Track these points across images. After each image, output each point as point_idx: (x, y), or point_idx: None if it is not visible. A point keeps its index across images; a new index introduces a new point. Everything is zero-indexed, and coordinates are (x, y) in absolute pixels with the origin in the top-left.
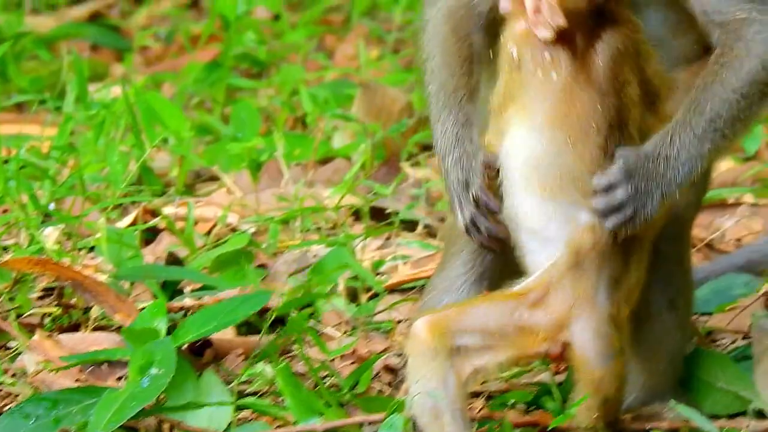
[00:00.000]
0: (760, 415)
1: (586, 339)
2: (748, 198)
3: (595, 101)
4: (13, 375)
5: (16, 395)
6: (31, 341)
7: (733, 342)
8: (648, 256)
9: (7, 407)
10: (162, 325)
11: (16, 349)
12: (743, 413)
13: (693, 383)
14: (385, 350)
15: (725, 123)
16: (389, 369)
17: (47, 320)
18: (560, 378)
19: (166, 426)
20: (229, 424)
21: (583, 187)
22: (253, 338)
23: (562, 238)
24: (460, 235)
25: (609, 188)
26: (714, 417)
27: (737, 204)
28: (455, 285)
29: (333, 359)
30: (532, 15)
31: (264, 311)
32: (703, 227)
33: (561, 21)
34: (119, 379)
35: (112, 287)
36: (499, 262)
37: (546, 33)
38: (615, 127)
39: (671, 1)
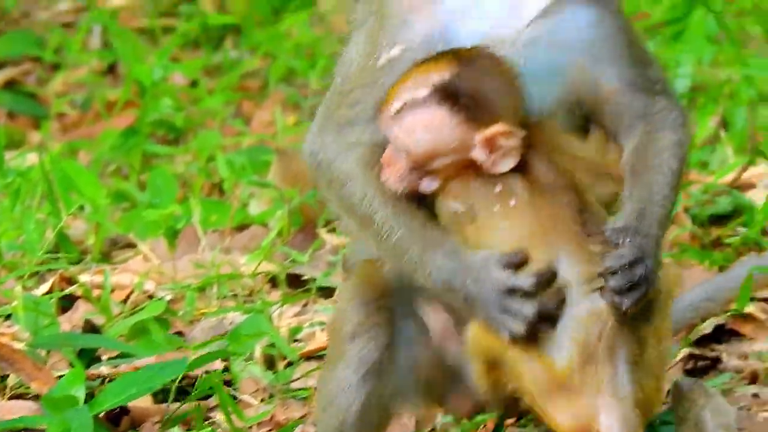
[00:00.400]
0: None
1: (614, 429)
2: (666, 262)
3: (558, 199)
4: None
5: None
6: None
7: None
8: (664, 325)
9: None
10: (80, 393)
11: None
12: None
13: None
14: (302, 417)
15: (671, 201)
16: None
17: None
18: None
19: None
20: None
21: (582, 279)
22: (171, 405)
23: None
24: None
25: (627, 267)
26: None
27: None
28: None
29: (251, 426)
30: (487, 159)
31: (181, 379)
32: None
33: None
34: None
35: (29, 355)
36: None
37: (508, 164)
38: (585, 210)
39: (576, 103)
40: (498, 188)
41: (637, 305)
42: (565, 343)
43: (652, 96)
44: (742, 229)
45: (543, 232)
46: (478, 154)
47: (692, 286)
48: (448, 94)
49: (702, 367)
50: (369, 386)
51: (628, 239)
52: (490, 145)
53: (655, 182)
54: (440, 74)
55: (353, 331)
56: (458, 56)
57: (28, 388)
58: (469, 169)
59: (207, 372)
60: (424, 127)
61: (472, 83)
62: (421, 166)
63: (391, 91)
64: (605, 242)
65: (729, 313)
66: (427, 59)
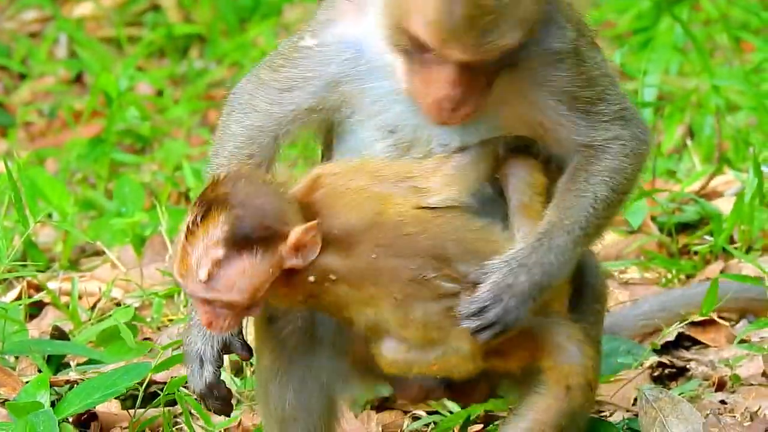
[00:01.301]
0: None
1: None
2: (633, 270)
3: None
4: None
5: None
6: None
7: (611, 414)
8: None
9: None
10: (45, 399)
11: None
12: None
13: None
14: None
15: (590, 224)
16: None
17: None
18: None
19: None
20: None
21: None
22: (139, 411)
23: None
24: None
25: (479, 311)
26: None
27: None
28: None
29: None
30: (299, 259)
31: (149, 385)
32: None
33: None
34: None
35: None
36: None
37: (315, 252)
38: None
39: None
40: (311, 278)
41: (496, 339)
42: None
43: (599, 127)
44: (709, 238)
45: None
46: (292, 262)
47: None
48: (240, 239)
49: (669, 375)
50: (298, 368)
51: (490, 281)
52: (298, 249)
53: (571, 208)
54: (220, 226)
55: (270, 315)
56: (221, 200)
57: None
58: (282, 275)
59: (173, 377)
60: (241, 276)
61: (252, 217)
62: (248, 306)
63: (182, 258)
64: (468, 285)
65: (691, 320)
66: (193, 219)
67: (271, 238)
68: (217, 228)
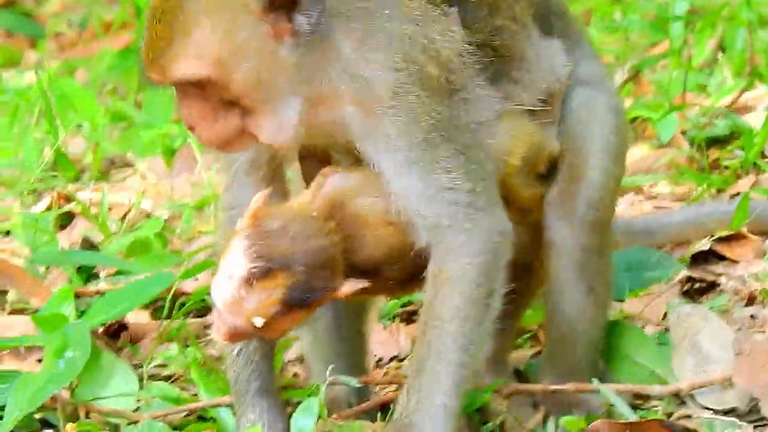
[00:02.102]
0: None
1: None
2: (663, 185)
3: None
4: None
5: None
6: None
7: (642, 328)
8: None
9: None
10: (70, 310)
11: None
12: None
13: (612, 354)
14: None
15: (462, 354)
16: None
17: None
18: None
19: (81, 408)
20: (138, 406)
21: None
22: (167, 321)
23: None
24: None
25: None
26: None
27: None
28: None
29: None
30: None
31: (178, 296)
32: None
33: None
34: (39, 361)
35: (27, 271)
36: None
37: None
38: None
39: None
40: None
41: None
42: None
43: (444, 207)
44: (739, 152)
45: None
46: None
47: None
48: (297, 300)
49: (699, 289)
50: None
51: None
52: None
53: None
54: (281, 289)
55: None
56: (282, 260)
57: (27, 303)
58: None
59: (202, 287)
60: (291, 322)
61: (310, 280)
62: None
63: (235, 301)
64: None
65: (720, 235)
66: (251, 273)
67: (325, 292)
68: (278, 290)
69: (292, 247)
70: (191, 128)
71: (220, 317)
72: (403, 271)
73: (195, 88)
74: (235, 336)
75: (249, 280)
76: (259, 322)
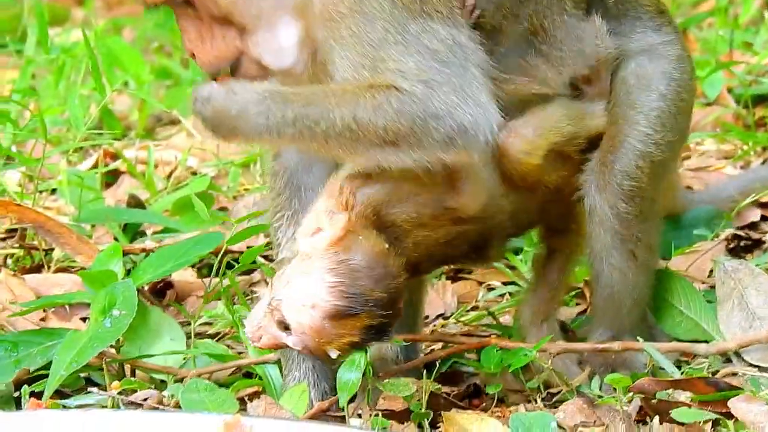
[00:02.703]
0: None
1: None
2: (709, 143)
3: None
4: None
5: None
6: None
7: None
8: None
9: None
10: (118, 268)
11: None
12: (701, 342)
13: (658, 303)
14: None
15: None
16: None
17: (10, 261)
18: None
19: (127, 366)
20: (185, 362)
21: None
22: (214, 281)
23: None
24: None
25: None
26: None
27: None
28: None
29: None
30: None
31: (225, 254)
32: None
33: None
34: (83, 319)
35: (73, 229)
36: None
37: None
38: None
39: None
40: None
41: None
42: None
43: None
44: None
45: None
46: None
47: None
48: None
49: (744, 247)
50: None
51: None
52: None
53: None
54: (362, 330)
55: None
56: (367, 305)
57: (74, 261)
58: None
59: (249, 246)
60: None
61: (388, 322)
62: None
63: (318, 332)
64: None
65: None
66: (337, 312)
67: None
68: (359, 329)
69: (375, 289)
70: (192, 54)
71: (267, 327)
72: (442, 261)
73: (187, 7)
74: (273, 347)
75: (334, 317)
76: (334, 354)
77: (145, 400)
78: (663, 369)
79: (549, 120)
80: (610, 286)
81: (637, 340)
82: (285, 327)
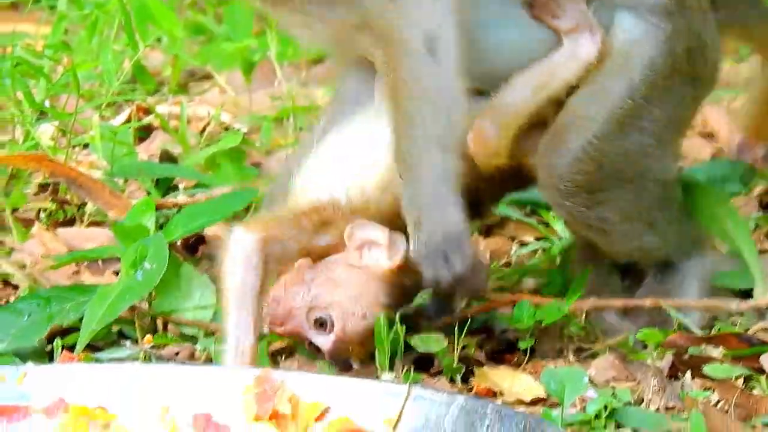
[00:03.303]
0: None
1: None
2: (742, 99)
3: None
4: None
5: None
6: (32, 232)
7: None
8: None
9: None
10: (150, 222)
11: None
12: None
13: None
14: None
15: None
16: None
17: (43, 216)
18: None
19: (159, 320)
20: (215, 316)
21: None
22: None
23: None
24: None
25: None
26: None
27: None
28: None
29: None
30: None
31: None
32: None
33: None
34: (116, 273)
35: (106, 184)
36: None
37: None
38: None
39: None
40: None
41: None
42: None
43: None
44: None
45: None
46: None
47: None
48: None
49: None
50: None
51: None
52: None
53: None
54: None
55: None
56: None
57: (106, 216)
58: None
59: None
60: None
61: None
62: None
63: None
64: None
65: None
66: None
67: None
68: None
69: None
70: None
71: (298, 319)
72: None
73: None
74: (290, 335)
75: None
76: (355, 365)
77: (177, 354)
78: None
79: (511, 106)
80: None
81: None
82: (320, 325)
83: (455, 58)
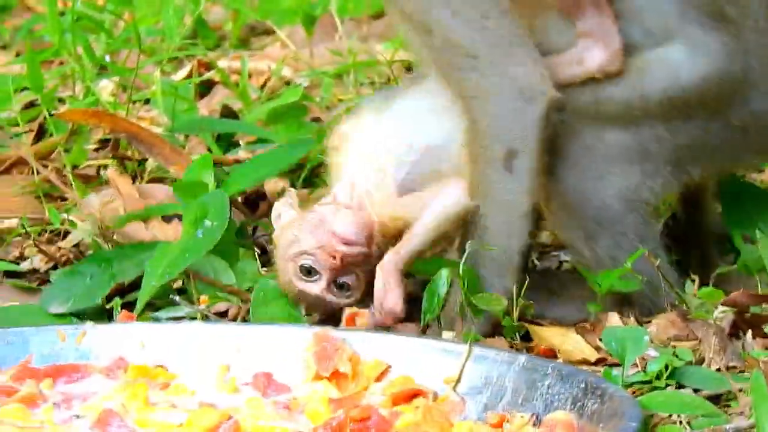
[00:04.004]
0: None
1: None
2: None
3: None
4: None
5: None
6: (109, 174)
7: None
8: None
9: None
10: (210, 178)
11: (68, 207)
12: None
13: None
14: None
15: None
16: None
17: (103, 172)
18: None
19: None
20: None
21: None
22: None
23: None
24: None
25: None
26: None
27: None
28: None
29: None
30: None
31: (318, 164)
32: None
33: None
34: None
35: (167, 139)
36: None
37: None
38: None
39: None
40: None
41: None
42: None
43: None
44: None
45: None
46: None
47: None
48: None
49: None
50: None
51: None
52: None
53: None
54: None
55: None
56: None
57: (167, 172)
58: None
59: None
60: None
61: None
62: None
63: None
64: None
65: None
66: None
67: None
68: None
69: None
70: None
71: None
72: None
73: None
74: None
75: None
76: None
77: (226, 312)
78: None
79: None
80: None
81: None
82: (308, 272)
83: (531, 177)
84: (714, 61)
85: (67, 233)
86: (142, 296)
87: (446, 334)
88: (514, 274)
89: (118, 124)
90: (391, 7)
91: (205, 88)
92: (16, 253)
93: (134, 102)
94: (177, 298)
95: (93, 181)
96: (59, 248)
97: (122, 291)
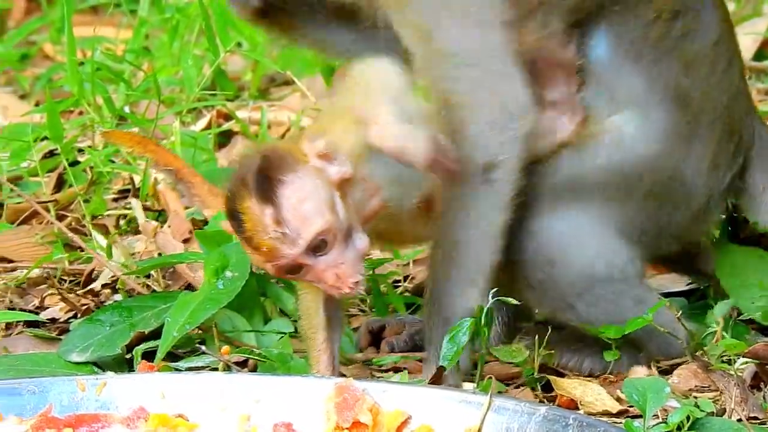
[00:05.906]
0: None
1: None
2: None
3: None
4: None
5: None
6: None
7: None
8: None
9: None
10: None
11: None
12: None
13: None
14: None
15: None
16: None
17: (122, 222)
18: None
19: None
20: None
21: None
22: None
23: None
24: None
25: None
26: None
27: None
28: None
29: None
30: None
31: None
32: None
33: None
34: None
35: (207, 181)
36: None
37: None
38: None
39: None
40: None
41: None
42: None
43: None
44: None
45: None
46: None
47: None
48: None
49: None
50: None
51: None
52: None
53: None
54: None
55: None
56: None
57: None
58: None
59: None
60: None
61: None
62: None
63: None
64: None
65: None
66: None
67: None
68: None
69: None
70: None
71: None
72: None
73: None
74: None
75: None
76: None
77: (246, 361)
78: None
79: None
80: None
81: None
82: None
83: (507, 192)
84: (661, 140)
85: (87, 282)
86: (163, 347)
87: (466, 385)
88: (485, 287)
89: (162, 155)
90: (394, 12)
91: (225, 139)
92: (36, 302)
93: None
94: (203, 348)
95: (110, 232)
96: (79, 296)
97: (142, 338)
